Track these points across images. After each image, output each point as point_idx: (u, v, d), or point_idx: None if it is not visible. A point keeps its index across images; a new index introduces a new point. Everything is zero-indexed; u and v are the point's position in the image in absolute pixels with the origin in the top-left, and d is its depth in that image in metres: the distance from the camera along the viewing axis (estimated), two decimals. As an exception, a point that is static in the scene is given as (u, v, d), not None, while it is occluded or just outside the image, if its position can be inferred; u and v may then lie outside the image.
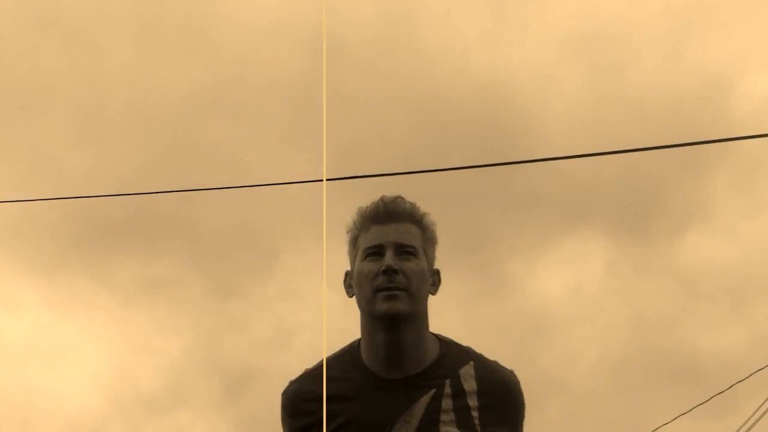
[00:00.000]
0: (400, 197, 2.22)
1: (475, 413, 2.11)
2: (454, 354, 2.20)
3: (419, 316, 2.17)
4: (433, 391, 2.12)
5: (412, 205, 2.22)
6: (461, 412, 2.11)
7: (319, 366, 2.20)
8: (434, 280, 2.23)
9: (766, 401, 9.79)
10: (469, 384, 2.15)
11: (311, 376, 2.22)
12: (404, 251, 2.15)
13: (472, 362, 2.19)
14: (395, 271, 2.11)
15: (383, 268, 2.12)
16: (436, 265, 2.26)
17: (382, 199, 2.22)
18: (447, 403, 2.11)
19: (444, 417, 2.10)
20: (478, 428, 2.10)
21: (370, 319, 2.16)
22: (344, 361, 2.21)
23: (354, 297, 2.21)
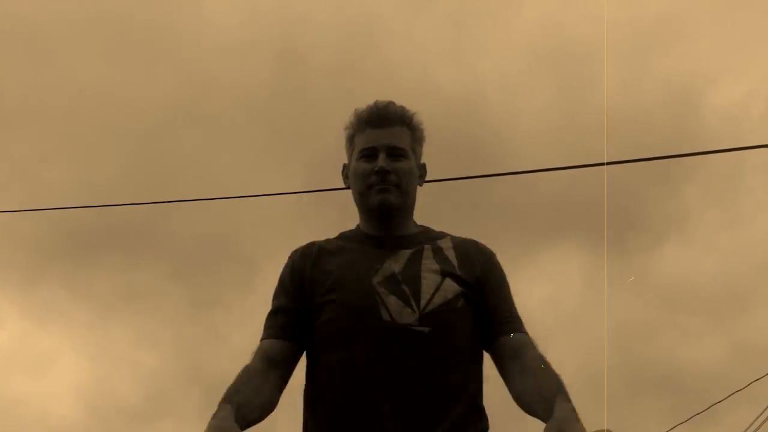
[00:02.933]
0: (391, 102, 2.47)
1: (452, 258, 2.40)
2: (433, 232, 2.51)
3: (408, 207, 2.48)
4: (416, 247, 2.41)
5: (402, 107, 2.47)
6: (440, 256, 2.40)
7: (327, 239, 2.51)
8: (421, 173, 2.52)
9: (756, 419, 9.84)
10: (446, 244, 2.45)
11: (317, 241, 2.51)
12: (395, 153, 2.42)
13: (449, 236, 2.50)
14: (387, 172, 2.39)
15: (376, 168, 2.39)
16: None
17: (375, 104, 2.46)
18: (428, 253, 2.40)
19: (426, 260, 2.38)
20: (455, 264, 2.38)
21: (366, 209, 2.46)
22: (347, 234, 2.52)
23: (350, 188, 2.49)
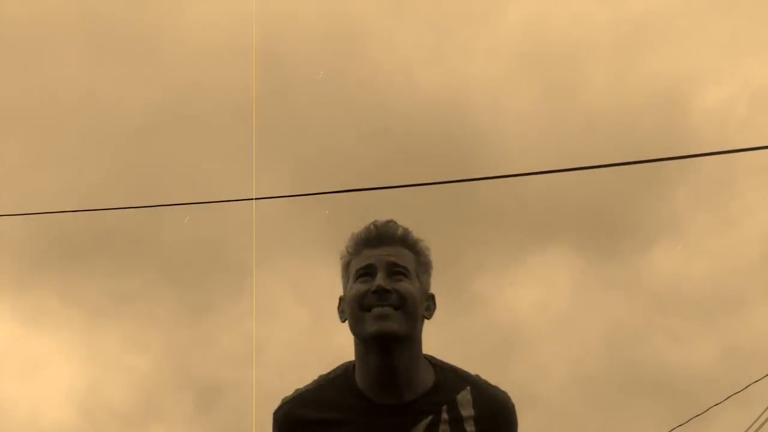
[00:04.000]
0: (392, 221, 2.18)
1: (471, 429, 2.10)
2: (450, 379, 2.16)
3: (414, 339, 2.12)
4: (430, 417, 2.08)
5: (405, 229, 2.18)
6: (458, 428, 2.09)
7: (314, 387, 2.18)
8: (429, 305, 2.18)
9: (756, 421, 9.84)
10: (467, 410, 2.12)
11: (304, 398, 2.17)
12: (396, 272, 2.11)
13: (468, 387, 2.15)
14: (387, 291, 2.07)
15: (374, 287, 2.08)
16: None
17: (373, 223, 2.17)
18: (444, 428, 2.08)
19: None
20: None
21: (362, 341, 2.10)
22: (338, 384, 2.17)
23: (347, 322, 2.15)
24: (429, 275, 2.19)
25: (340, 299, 2.19)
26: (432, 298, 2.20)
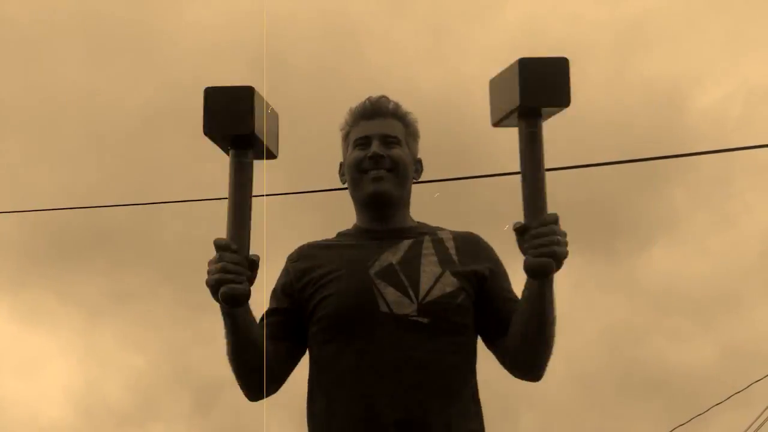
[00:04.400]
0: (384, 96, 2.45)
1: (452, 250, 2.36)
2: (430, 226, 2.46)
3: (403, 197, 2.43)
4: (414, 239, 2.37)
5: (395, 103, 2.45)
6: (440, 248, 2.35)
7: (324, 239, 2.48)
8: (417, 167, 2.49)
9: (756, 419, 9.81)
10: (446, 236, 2.40)
11: (313, 242, 2.48)
12: (389, 140, 2.39)
13: (447, 230, 2.44)
14: (381, 156, 2.36)
15: (370, 153, 2.36)
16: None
17: (368, 99, 2.44)
18: (428, 244, 2.36)
19: (425, 251, 2.34)
20: (456, 259, 2.34)
21: (360, 201, 2.42)
22: (344, 233, 2.48)
23: (346, 184, 2.46)
24: (417, 143, 2.48)
25: (341, 164, 2.49)
26: (419, 161, 2.51)
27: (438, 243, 2.37)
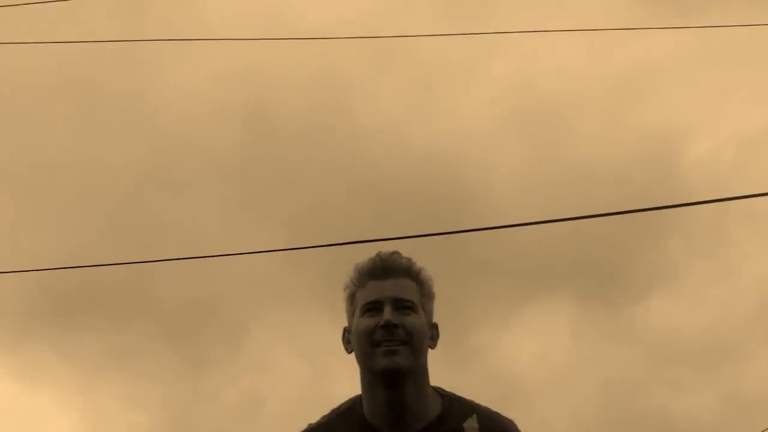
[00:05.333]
0: (396, 252, 2.23)
1: None
2: (456, 408, 2.20)
3: (420, 370, 2.17)
4: None
5: (409, 260, 2.23)
6: None
7: (324, 422, 2.23)
8: (433, 334, 2.23)
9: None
10: (472, 428, 2.15)
11: None
12: (403, 306, 2.15)
13: (475, 415, 2.18)
14: (395, 326, 2.12)
15: (382, 323, 2.12)
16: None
17: (378, 255, 2.21)
18: None
19: None
20: None
21: (370, 374, 2.16)
22: (347, 417, 2.21)
23: (353, 353, 2.21)
24: (432, 304, 2.25)
25: (345, 330, 2.25)
26: (435, 327, 2.25)
27: None
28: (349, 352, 2.22)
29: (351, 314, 2.22)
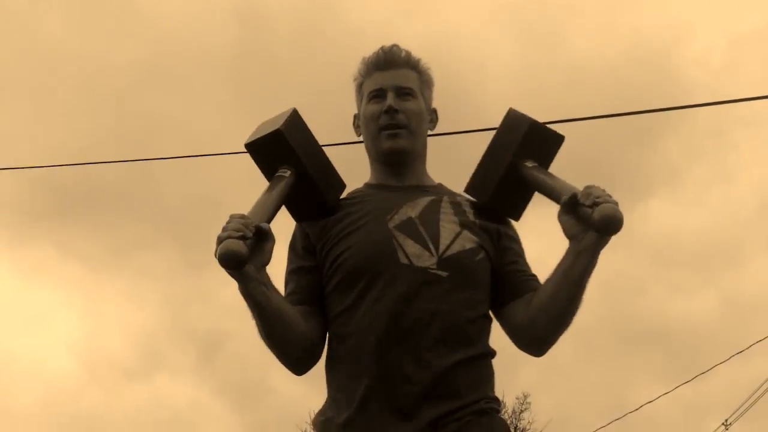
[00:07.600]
0: (395, 46, 2.46)
1: (470, 214, 2.37)
2: (449, 189, 2.49)
3: (419, 150, 2.46)
4: (434, 196, 2.39)
5: (407, 52, 2.47)
6: (458, 210, 2.37)
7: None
8: (432, 118, 2.51)
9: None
10: (464, 201, 2.42)
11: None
12: (403, 93, 2.42)
13: (465, 196, 2.45)
14: (396, 111, 2.38)
15: (385, 108, 2.38)
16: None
17: (381, 48, 2.45)
18: (446, 205, 2.38)
19: (444, 209, 2.36)
20: (474, 221, 2.35)
21: (376, 155, 2.46)
22: (354, 190, 2.48)
23: (362, 136, 2.49)
24: (431, 91, 2.51)
25: (355, 117, 2.53)
26: (434, 111, 2.53)
27: (456, 205, 2.38)
28: (359, 135, 2.51)
29: (359, 102, 2.49)
